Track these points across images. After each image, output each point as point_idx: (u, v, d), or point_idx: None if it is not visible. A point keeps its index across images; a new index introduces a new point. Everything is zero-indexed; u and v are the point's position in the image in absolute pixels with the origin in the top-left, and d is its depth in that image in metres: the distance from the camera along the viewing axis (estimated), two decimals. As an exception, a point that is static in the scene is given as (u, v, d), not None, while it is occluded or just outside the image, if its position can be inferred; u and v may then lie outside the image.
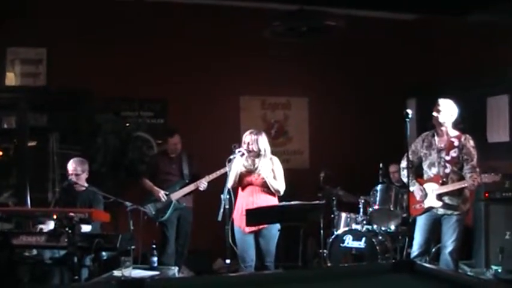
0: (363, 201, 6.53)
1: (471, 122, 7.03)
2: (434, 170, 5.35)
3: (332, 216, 6.73)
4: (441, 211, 5.25)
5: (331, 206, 6.74)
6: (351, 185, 6.74)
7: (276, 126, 8.21)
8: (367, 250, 6.22)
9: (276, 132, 8.17)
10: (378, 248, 6.16)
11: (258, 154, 5.34)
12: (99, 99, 7.11)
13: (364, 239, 6.27)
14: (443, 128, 5.29)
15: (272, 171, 5.39)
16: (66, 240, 4.62)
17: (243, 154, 5.20)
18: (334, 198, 6.77)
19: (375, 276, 2.92)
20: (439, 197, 5.26)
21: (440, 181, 5.26)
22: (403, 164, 5.57)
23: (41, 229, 5.06)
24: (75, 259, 4.54)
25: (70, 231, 4.55)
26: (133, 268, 4.79)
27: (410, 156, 5.55)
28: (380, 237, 6.28)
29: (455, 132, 5.35)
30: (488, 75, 6.62)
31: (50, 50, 7.19)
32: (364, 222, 6.44)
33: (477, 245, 5.97)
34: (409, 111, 5.22)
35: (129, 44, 7.27)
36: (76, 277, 4.56)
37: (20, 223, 5.20)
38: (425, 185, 5.40)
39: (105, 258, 5.04)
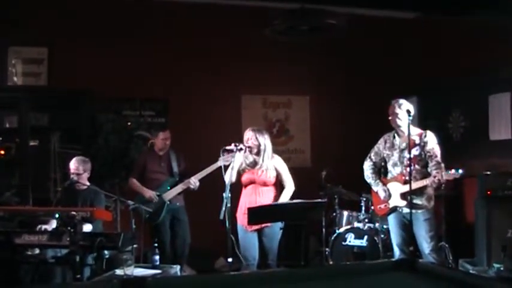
0: (364, 199, 6.53)
1: (473, 120, 7.05)
2: (397, 169, 5.39)
3: (334, 214, 6.75)
4: (406, 210, 5.26)
5: (333, 204, 6.76)
6: (352, 183, 6.73)
7: (278, 125, 8.22)
8: (369, 248, 6.22)
9: (278, 131, 8.17)
10: (379, 246, 6.17)
11: (258, 151, 5.34)
12: (101, 98, 7.12)
13: (366, 237, 6.28)
14: (402, 129, 5.28)
15: (276, 169, 5.39)
16: (68, 239, 4.63)
17: (240, 149, 5.17)
18: (335, 196, 6.78)
19: (376, 275, 2.92)
20: (403, 196, 5.28)
21: (403, 180, 5.27)
22: (366, 165, 5.61)
23: (45, 229, 5.06)
24: (77, 258, 4.55)
25: (72, 230, 4.55)
26: (135, 267, 4.80)
27: (373, 157, 5.60)
28: (382, 236, 6.28)
29: (416, 130, 5.36)
30: (489, 73, 6.62)
31: (51, 49, 7.20)
32: (366, 220, 6.45)
33: (479, 243, 5.96)
34: (411, 109, 5.23)
35: (130, 43, 7.27)
36: (78, 276, 4.57)
37: (22, 222, 5.20)
38: (389, 185, 5.46)
39: (107, 257, 5.03)
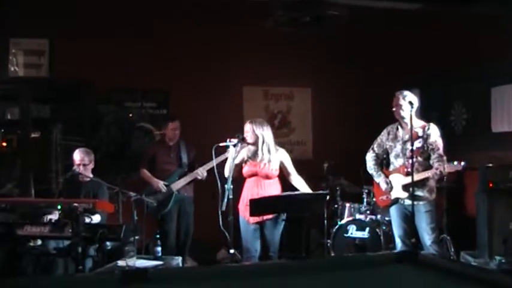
0: (366, 191, 6.53)
1: (475, 112, 7.04)
2: (400, 161, 5.40)
3: (335, 206, 6.76)
4: (407, 201, 5.27)
5: (335, 196, 6.76)
6: (354, 175, 6.73)
7: (279, 116, 8.21)
8: (370, 240, 6.23)
9: (279, 122, 8.17)
10: (381, 238, 6.17)
11: (256, 143, 5.32)
12: (102, 90, 7.12)
13: (367, 229, 6.28)
14: (406, 121, 5.27)
15: (281, 163, 5.38)
16: (70, 230, 4.64)
17: (235, 145, 5.13)
18: (337, 188, 6.79)
19: (378, 267, 2.92)
20: (405, 187, 5.29)
21: (405, 171, 5.28)
22: (368, 156, 5.61)
23: (50, 219, 5.07)
24: (79, 249, 4.55)
25: (74, 221, 4.56)
26: (137, 258, 4.81)
27: (376, 149, 5.60)
28: (384, 227, 6.29)
29: (420, 123, 5.36)
30: (492, 65, 6.60)
31: (52, 41, 7.18)
32: (368, 212, 6.45)
33: (480, 235, 5.96)
34: (414, 101, 5.21)
35: (131, 34, 7.26)
36: (80, 267, 4.58)
37: (24, 214, 5.22)
38: (391, 176, 5.47)
39: (109, 248, 5.05)
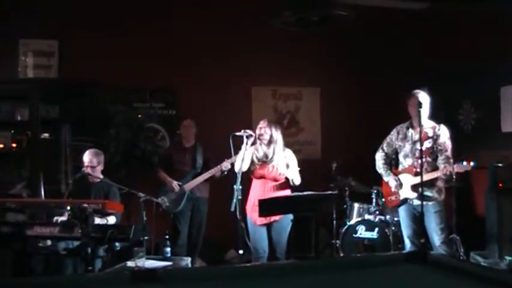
0: (375, 191, 6.51)
1: (484, 111, 7.00)
2: (409, 161, 5.39)
3: (344, 206, 6.74)
4: (416, 202, 5.26)
5: (344, 197, 6.74)
6: (363, 175, 6.71)
7: (288, 116, 8.19)
8: (379, 240, 6.22)
9: (288, 122, 8.15)
10: (390, 238, 6.16)
11: (269, 142, 5.32)
12: (111, 90, 7.13)
13: (376, 229, 6.27)
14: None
15: (287, 165, 5.38)
16: (79, 231, 4.65)
17: (249, 135, 5.17)
18: (346, 188, 6.77)
19: (387, 267, 2.91)
20: (414, 188, 5.27)
21: (414, 172, 5.26)
22: (378, 155, 5.60)
23: (61, 221, 5.08)
24: (89, 250, 4.56)
25: (83, 222, 4.57)
26: (147, 259, 4.82)
27: (385, 148, 5.58)
28: (393, 228, 6.27)
29: (430, 123, 5.35)
30: (501, 64, 6.56)
31: (61, 42, 7.21)
32: (377, 212, 6.44)
33: (490, 235, 5.94)
34: (425, 101, 5.20)
35: (140, 35, 7.27)
36: (89, 268, 4.58)
37: (34, 214, 5.23)
38: (400, 176, 5.45)
39: (118, 249, 5.06)
